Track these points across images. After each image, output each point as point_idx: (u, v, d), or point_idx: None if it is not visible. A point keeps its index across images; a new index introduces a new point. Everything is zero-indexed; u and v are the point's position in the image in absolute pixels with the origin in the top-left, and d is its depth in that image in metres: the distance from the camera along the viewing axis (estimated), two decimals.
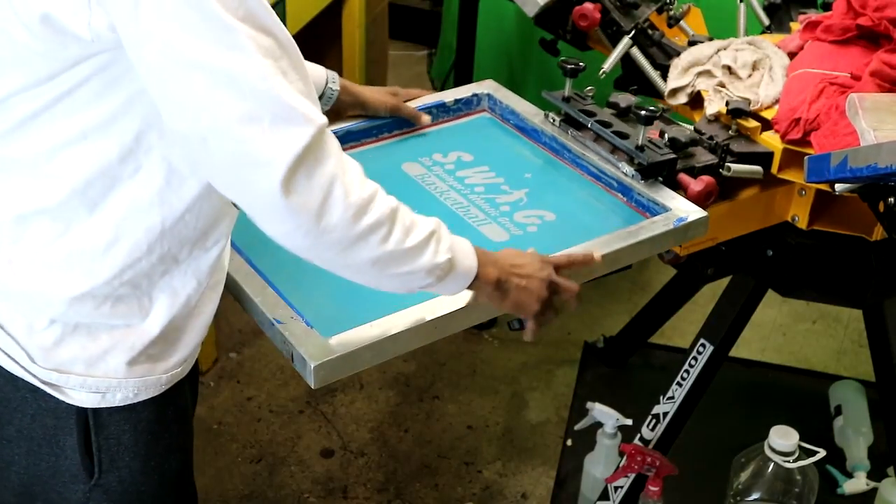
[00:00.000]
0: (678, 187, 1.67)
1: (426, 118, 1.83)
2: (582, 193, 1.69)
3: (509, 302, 1.34)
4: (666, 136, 1.70)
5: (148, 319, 1.23)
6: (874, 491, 2.18)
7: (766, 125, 1.77)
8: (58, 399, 1.23)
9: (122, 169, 1.15)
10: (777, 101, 1.79)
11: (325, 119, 1.10)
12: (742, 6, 2.13)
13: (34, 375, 1.22)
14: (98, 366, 1.22)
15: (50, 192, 1.16)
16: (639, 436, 2.10)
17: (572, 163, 1.74)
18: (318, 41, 2.92)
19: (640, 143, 1.66)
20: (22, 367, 1.22)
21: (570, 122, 1.79)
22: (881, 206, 1.57)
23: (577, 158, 1.73)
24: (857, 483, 2.23)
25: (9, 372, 1.23)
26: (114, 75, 1.10)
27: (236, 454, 2.40)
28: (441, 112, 1.88)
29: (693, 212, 1.58)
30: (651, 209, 1.62)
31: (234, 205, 1.25)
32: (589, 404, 2.21)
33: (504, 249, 1.38)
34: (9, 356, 1.22)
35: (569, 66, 1.78)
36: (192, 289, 1.26)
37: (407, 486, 2.34)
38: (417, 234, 1.19)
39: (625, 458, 2.04)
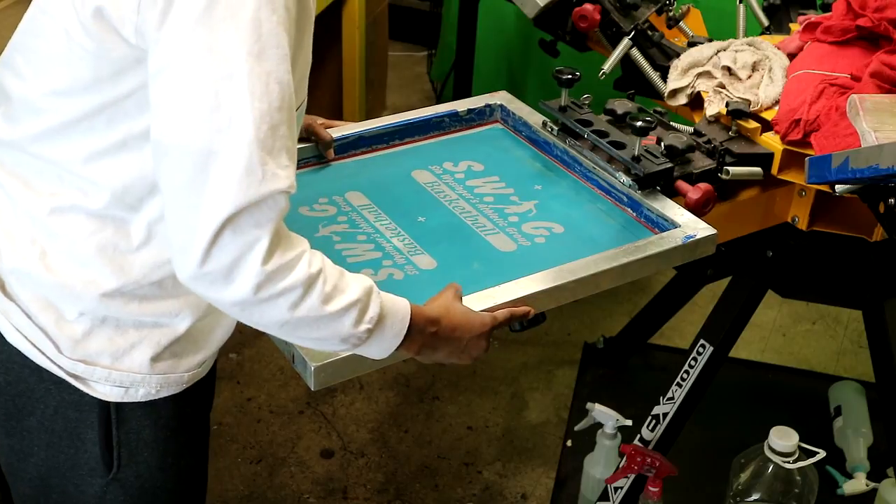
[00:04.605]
0: (676, 195, 1.66)
1: (331, 152, 1.73)
2: (591, 207, 1.68)
3: (437, 361, 1.32)
4: (663, 143, 1.70)
5: (175, 318, 1.25)
6: (874, 492, 2.18)
7: (766, 126, 1.77)
8: (81, 392, 1.25)
9: None
10: (777, 102, 1.79)
11: (287, 183, 1.07)
12: (741, 7, 2.13)
13: (60, 367, 1.23)
14: (123, 360, 1.24)
15: (88, 196, 1.19)
16: (639, 436, 2.10)
17: (583, 176, 1.74)
18: (317, 42, 2.91)
19: (636, 153, 1.66)
20: (49, 358, 1.23)
21: (566, 131, 1.79)
22: (881, 207, 1.57)
23: (588, 172, 1.73)
24: (857, 484, 2.23)
25: (34, 363, 1.24)
26: None
27: (236, 455, 2.40)
28: (453, 121, 1.88)
29: (702, 229, 1.58)
30: (660, 225, 1.61)
31: None
32: (589, 405, 2.22)
33: (448, 300, 1.31)
34: (36, 347, 1.23)
35: (564, 77, 1.78)
36: None
37: (407, 487, 2.34)
38: (337, 302, 1.13)
39: (625, 458, 2.04)
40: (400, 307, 1.22)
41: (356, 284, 1.16)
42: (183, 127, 1.05)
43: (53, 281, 1.21)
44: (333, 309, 1.13)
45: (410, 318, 1.22)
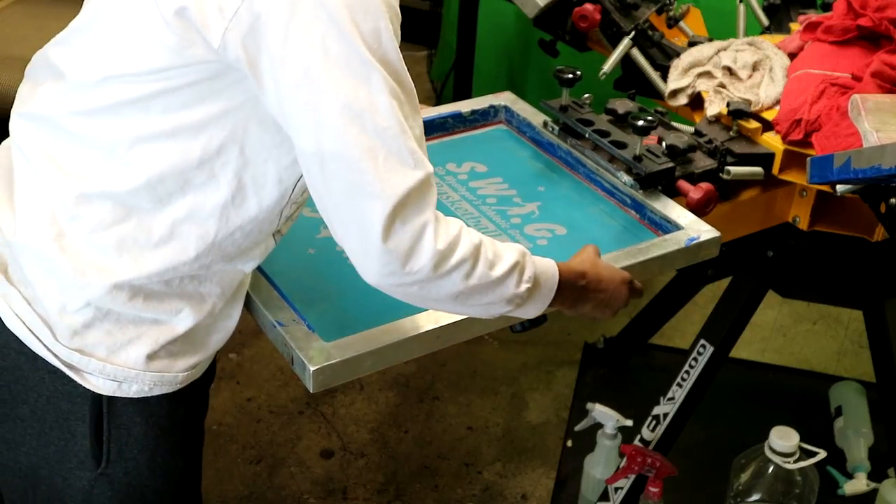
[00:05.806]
0: (678, 194, 1.66)
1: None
2: (594, 209, 1.68)
3: (580, 315, 1.41)
4: (664, 143, 1.70)
5: (175, 317, 1.26)
6: (874, 492, 2.18)
7: (767, 126, 1.77)
8: (75, 383, 1.25)
9: (198, 173, 1.20)
10: (778, 102, 1.79)
11: (430, 167, 1.16)
12: (742, 7, 2.13)
13: (56, 355, 1.24)
14: (119, 354, 1.25)
15: (122, 179, 1.19)
16: (639, 437, 2.10)
17: (586, 177, 1.74)
18: None
19: (637, 152, 1.66)
20: (45, 345, 1.24)
21: (568, 131, 1.79)
22: (882, 207, 1.57)
23: (592, 173, 1.73)
24: (858, 484, 2.22)
25: (31, 350, 1.25)
26: (219, 86, 1.16)
27: (236, 455, 2.40)
28: (457, 122, 1.87)
29: (705, 231, 1.58)
30: (663, 227, 1.61)
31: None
32: (589, 405, 2.21)
33: (591, 255, 1.41)
34: (33, 334, 1.24)
35: (565, 76, 1.77)
36: (217, 296, 1.29)
37: (407, 487, 2.34)
38: (500, 266, 1.23)
39: (625, 459, 2.04)
40: (549, 265, 1.32)
41: (511, 249, 1.26)
42: (337, 136, 1.11)
43: (65, 264, 1.21)
44: (498, 273, 1.23)
45: (559, 274, 1.32)
